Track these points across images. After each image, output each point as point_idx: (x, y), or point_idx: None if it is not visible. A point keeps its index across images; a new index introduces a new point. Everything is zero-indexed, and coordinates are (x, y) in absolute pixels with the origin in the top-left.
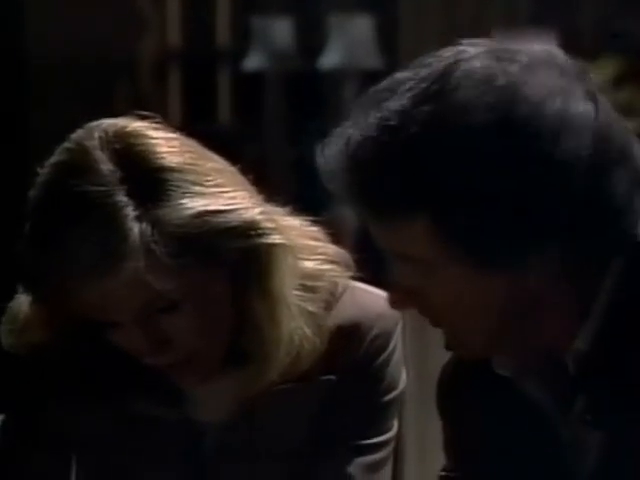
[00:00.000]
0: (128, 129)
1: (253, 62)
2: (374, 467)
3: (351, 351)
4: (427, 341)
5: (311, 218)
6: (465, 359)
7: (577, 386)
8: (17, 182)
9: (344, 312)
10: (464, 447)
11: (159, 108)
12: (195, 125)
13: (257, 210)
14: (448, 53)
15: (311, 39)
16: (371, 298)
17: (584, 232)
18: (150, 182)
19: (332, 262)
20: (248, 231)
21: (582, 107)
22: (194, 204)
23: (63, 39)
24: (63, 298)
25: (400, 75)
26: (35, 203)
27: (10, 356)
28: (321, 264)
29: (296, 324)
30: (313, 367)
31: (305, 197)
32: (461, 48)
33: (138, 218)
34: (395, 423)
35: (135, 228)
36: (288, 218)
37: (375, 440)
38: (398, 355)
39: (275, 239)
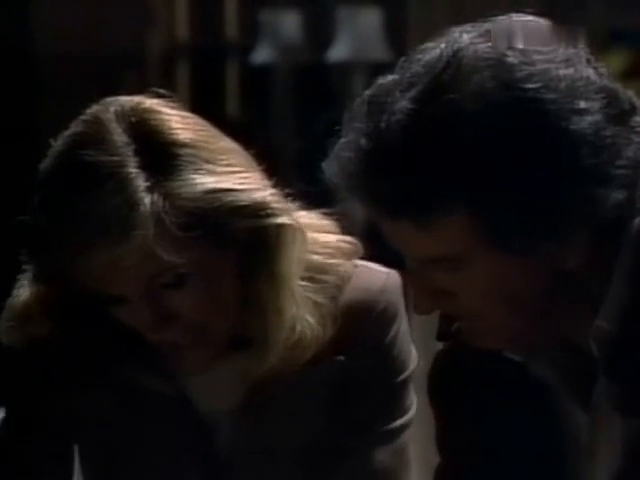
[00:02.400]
0: (144, 105)
1: (261, 55)
2: (401, 449)
3: (360, 329)
4: (430, 331)
5: (321, 210)
6: (482, 349)
7: (604, 370)
8: (26, 177)
9: (348, 293)
10: (460, 438)
11: None
12: (203, 118)
13: (268, 191)
14: (441, 44)
15: (319, 32)
16: (372, 274)
17: (603, 201)
18: (163, 156)
19: (341, 255)
20: (258, 211)
21: (587, 72)
22: (205, 180)
23: (71, 33)
24: (71, 269)
25: (387, 80)
26: (47, 172)
27: (10, 351)
28: (329, 258)
29: (299, 312)
30: (322, 351)
31: (314, 189)
32: (453, 36)
33: (149, 189)
34: (414, 400)
35: (146, 198)
36: (298, 212)
37: (396, 423)
38: (405, 328)
39: (284, 220)
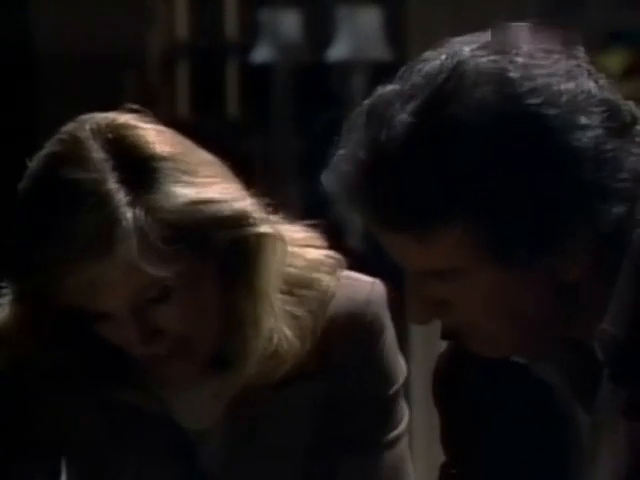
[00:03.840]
0: (119, 121)
1: (261, 55)
2: (396, 462)
3: (346, 343)
4: (434, 332)
5: (306, 223)
6: (487, 357)
7: (609, 374)
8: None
9: (333, 306)
10: (464, 438)
11: (167, 101)
12: (203, 118)
13: (248, 201)
14: (441, 55)
15: (319, 31)
16: (357, 285)
17: (604, 215)
18: (142, 170)
19: (323, 270)
20: (239, 221)
21: (588, 85)
22: (186, 192)
23: (71, 33)
24: (55, 288)
25: (386, 90)
26: (26, 193)
27: None
28: (310, 272)
29: (277, 324)
30: (308, 364)
31: (312, 189)
32: (453, 48)
33: (131, 203)
34: (406, 411)
35: (128, 213)
36: (282, 225)
37: (391, 435)
38: (392, 339)
39: (265, 229)
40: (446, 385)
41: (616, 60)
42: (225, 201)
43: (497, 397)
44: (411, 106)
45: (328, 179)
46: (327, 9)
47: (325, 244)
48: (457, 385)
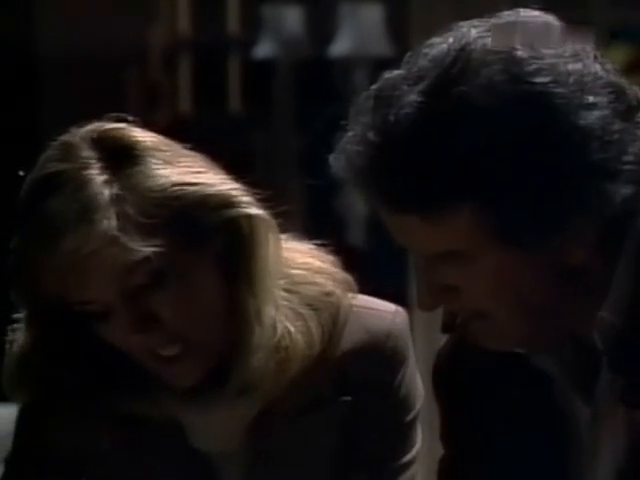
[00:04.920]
0: (108, 125)
1: (263, 50)
2: None
3: (366, 372)
4: (434, 328)
5: (317, 242)
6: (499, 350)
7: (607, 363)
8: (26, 177)
9: (352, 335)
10: (464, 431)
11: (170, 97)
12: (205, 113)
13: (234, 185)
14: (448, 39)
15: (321, 27)
16: (377, 317)
17: (610, 196)
18: (124, 156)
19: (326, 276)
20: (224, 202)
21: (595, 67)
22: (167, 173)
23: (73, 28)
24: (45, 278)
25: (393, 74)
26: (20, 199)
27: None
28: (312, 275)
29: (279, 316)
30: (326, 390)
31: (314, 185)
32: (460, 31)
33: (108, 181)
34: (420, 434)
35: (105, 190)
36: (289, 241)
37: (405, 459)
38: (412, 370)
39: (253, 211)
40: (446, 378)
41: (617, 57)
42: (209, 184)
43: (497, 390)
44: (419, 87)
45: (336, 161)
46: (329, 5)
47: (334, 262)
48: (457, 378)
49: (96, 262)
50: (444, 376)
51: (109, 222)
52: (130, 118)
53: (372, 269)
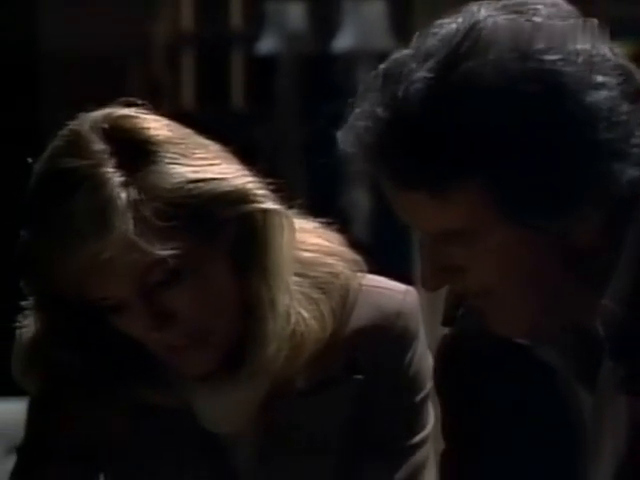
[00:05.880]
0: (117, 112)
1: (266, 45)
2: (418, 465)
3: (377, 352)
4: (435, 324)
5: (322, 220)
6: (504, 337)
7: (609, 351)
8: (26, 177)
9: (363, 314)
10: (466, 424)
11: (172, 92)
12: (208, 108)
13: (249, 179)
14: (458, 18)
15: (324, 22)
16: (388, 296)
17: (617, 176)
18: (138, 153)
19: (336, 257)
20: (241, 197)
21: (603, 49)
22: (182, 171)
23: (76, 24)
24: (62, 277)
25: (402, 53)
26: (29, 190)
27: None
28: (323, 256)
29: (293, 303)
30: (338, 369)
31: (317, 179)
32: (470, 11)
33: (125, 184)
34: (431, 416)
35: (122, 193)
36: (297, 218)
37: (416, 439)
38: (423, 350)
39: (269, 205)
40: (447, 370)
41: (626, 48)
42: (224, 179)
43: (499, 381)
44: (428, 64)
45: (344, 137)
46: (332, 0)
47: (342, 241)
48: (458, 370)
49: (114, 265)
50: (445, 368)
51: (127, 227)
52: (139, 102)
53: (376, 264)
